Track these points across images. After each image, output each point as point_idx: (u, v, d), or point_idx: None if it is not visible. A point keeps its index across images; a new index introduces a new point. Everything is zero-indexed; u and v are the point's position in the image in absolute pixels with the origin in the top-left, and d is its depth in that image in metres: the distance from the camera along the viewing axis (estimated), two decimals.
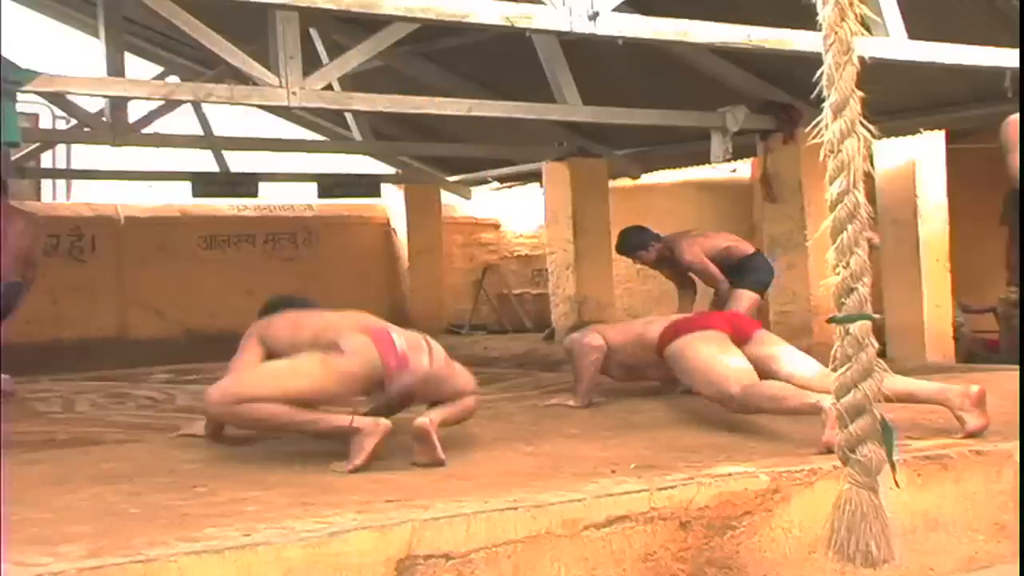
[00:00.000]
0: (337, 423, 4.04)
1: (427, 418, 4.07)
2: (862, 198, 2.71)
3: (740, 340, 5.01)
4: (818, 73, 2.74)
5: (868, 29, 2.78)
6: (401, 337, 4.17)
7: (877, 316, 2.78)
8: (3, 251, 7.38)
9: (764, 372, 4.81)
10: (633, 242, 7.89)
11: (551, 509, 3.32)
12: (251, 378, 4.24)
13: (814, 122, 2.76)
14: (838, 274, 2.73)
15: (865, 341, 2.72)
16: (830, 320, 2.79)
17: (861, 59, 2.75)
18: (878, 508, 2.77)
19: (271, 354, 4.39)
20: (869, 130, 2.72)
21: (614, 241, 8.21)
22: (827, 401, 3.77)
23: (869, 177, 2.73)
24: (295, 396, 4.07)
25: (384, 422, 4.00)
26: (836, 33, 2.71)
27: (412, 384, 4.14)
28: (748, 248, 7.85)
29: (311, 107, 7.78)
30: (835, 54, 2.71)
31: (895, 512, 3.83)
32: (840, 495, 2.79)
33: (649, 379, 5.82)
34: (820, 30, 2.75)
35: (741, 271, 7.67)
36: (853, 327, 2.72)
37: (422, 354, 4.19)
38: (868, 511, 2.78)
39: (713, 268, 7.60)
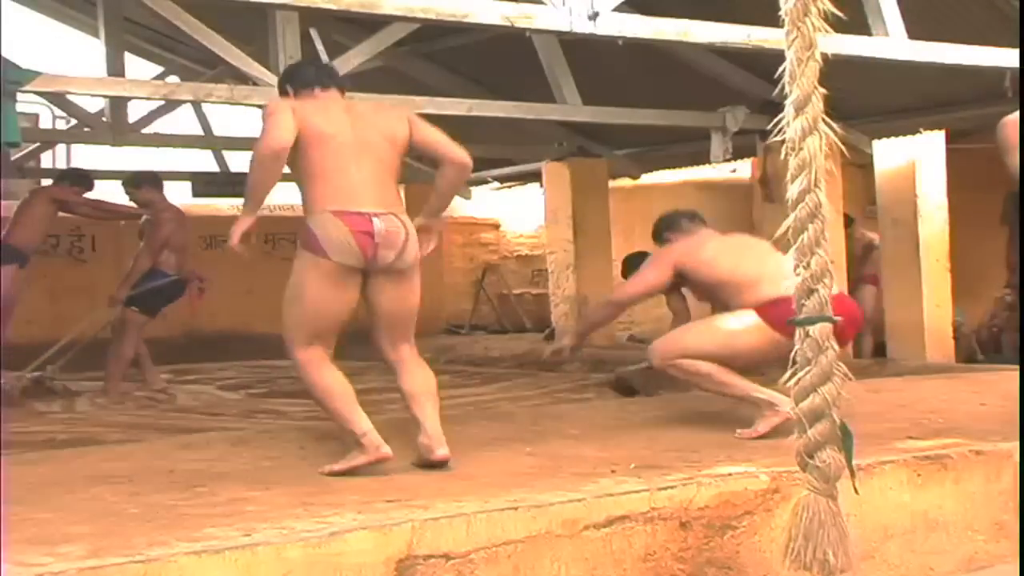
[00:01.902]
0: (351, 425, 4.02)
1: (444, 447, 4.05)
2: (824, 197, 2.65)
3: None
4: (780, 69, 2.69)
5: (833, 26, 2.71)
6: None
7: (838, 319, 2.73)
8: (143, 249, 7.92)
9: None
10: (636, 262, 7.98)
11: (551, 509, 3.32)
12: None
13: (775, 120, 2.71)
14: (799, 275, 2.67)
15: (825, 344, 2.66)
16: (789, 322, 2.74)
17: (824, 55, 2.70)
18: (836, 515, 2.72)
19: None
20: (832, 128, 2.67)
21: (614, 241, 8.21)
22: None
23: (832, 175, 2.69)
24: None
25: (385, 451, 3.97)
26: (799, 28, 2.64)
27: None
28: None
29: None
30: (797, 50, 2.65)
31: (895, 513, 3.85)
32: (798, 502, 2.75)
33: None
34: (782, 26, 2.69)
35: None
36: (813, 329, 2.66)
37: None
38: (826, 518, 2.72)
39: None
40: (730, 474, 3.71)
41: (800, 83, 2.64)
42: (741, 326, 4.69)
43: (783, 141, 2.68)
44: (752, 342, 4.66)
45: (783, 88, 2.68)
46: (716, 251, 5.05)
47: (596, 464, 4.00)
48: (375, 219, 4.03)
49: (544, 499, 3.38)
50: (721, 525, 3.56)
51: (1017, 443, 4.12)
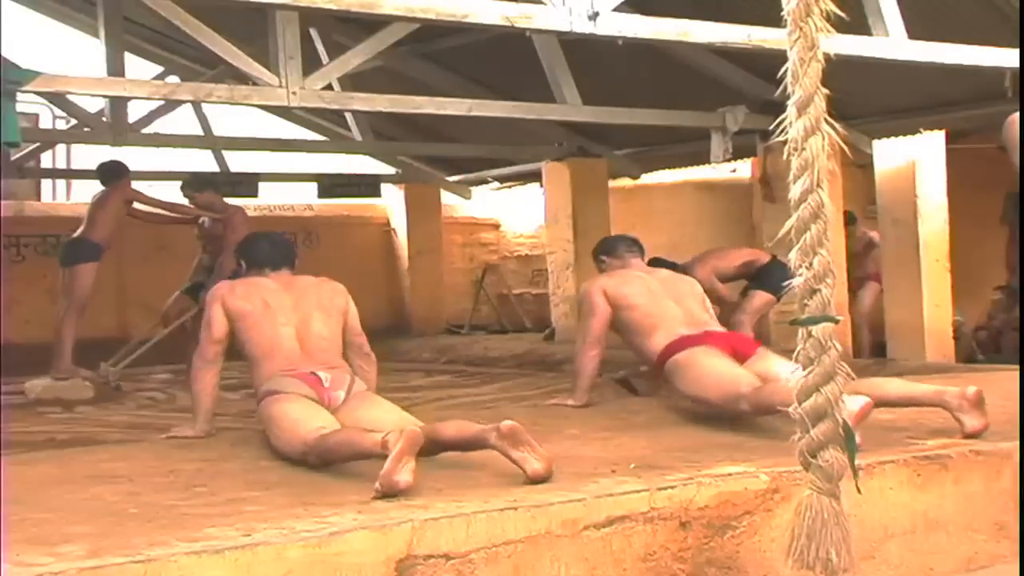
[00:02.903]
0: (366, 445, 3.84)
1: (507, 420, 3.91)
2: (826, 197, 2.65)
3: (741, 359, 5.05)
4: (783, 69, 2.69)
5: (834, 26, 2.71)
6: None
7: (840, 318, 2.74)
8: (226, 248, 8.20)
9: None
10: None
11: (551, 509, 3.32)
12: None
13: (777, 120, 2.71)
14: (801, 275, 2.67)
15: (828, 344, 2.66)
16: (792, 322, 2.74)
17: (827, 55, 2.69)
18: (839, 515, 2.72)
19: None
20: (834, 128, 2.67)
21: None
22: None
23: (835, 175, 2.69)
24: None
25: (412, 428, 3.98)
26: (801, 28, 2.64)
27: None
28: (764, 257, 7.96)
29: (311, 107, 7.78)
30: (800, 50, 2.64)
31: (895, 513, 3.85)
32: (801, 501, 2.74)
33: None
34: (784, 26, 2.69)
35: (759, 277, 7.94)
36: (816, 329, 2.66)
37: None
38: (829, 518, 2.72)
39: (719, 286, 7.84)
40: (730, 474, 3.71)
41: (803, 83, 2.63)
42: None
43: (785, 141, 2.68)
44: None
45: (785, 88, 2.68)
46: (635, 290, 5.50)
47: (596, 464, 4.00)
48: (321, 373, 4.48)
49: (544, 499, 3.38)
50: (721, 525, 3.56)
51: (1017, 443, 4.12)
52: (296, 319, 4.69)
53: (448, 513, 3.21)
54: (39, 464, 4.35)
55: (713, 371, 4.93)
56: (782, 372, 4.87)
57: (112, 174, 8.59)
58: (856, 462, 2.82)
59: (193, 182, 8.68)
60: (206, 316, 4.80)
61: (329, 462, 4.01)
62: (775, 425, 4.69)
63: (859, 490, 2.88)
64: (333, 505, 3.36)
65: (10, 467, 4.11)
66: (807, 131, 2.63)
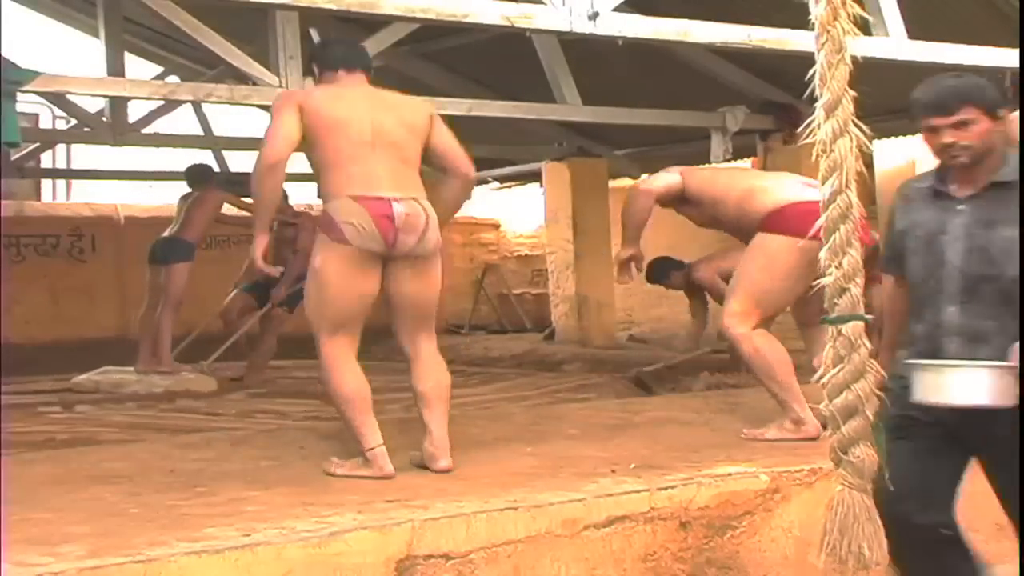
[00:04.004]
0: (361, 437, 3.98)
1: (448, 459, 4.01)
2: (855, 198, 2.70)
3: None
4: (811, 72, 2.73)
5: (862, 28, 2.76)
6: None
7: (870, 317, 2.77)
8: (299, 253, 8.21)
9: None
10: (654, 276, 8.11)
11: (551, 509, 3.32)
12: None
13: (806, 122, 2.75)
14: (830, 274, 2.71)
15: (858, 342, 2.70)
16: (822, 321, 2.78)
17: (854, 58, 2.73)
18: (870, 510, 2.76)
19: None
20: (862, 130, 2.70)
21: (614, 241, 8.23)
22: None
23: (863, 176, 2.72)
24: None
25: (388, 470, 3.91)
26: (828, 32, 2.69)
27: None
28: None
29: None
30: (827, 53, 2.69)
31: None
32: (833, 497, 2.78)
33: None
34: (812, 29, 2.73)
35: None
36: (846, 328, 2.70)
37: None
38: (860, 513, 2.76)
39: (722, 285, 7.80)
40: (730, 474, 3.71)
41: (831, 86, 2.69)
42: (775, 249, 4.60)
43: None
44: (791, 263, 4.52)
45: (813, 91, 2.72)
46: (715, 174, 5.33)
47: (596, 464, 4.00)
48: (395, 203, 3.97)
49: (544, 499, 3.38)
50: (721, 525, 3.56)
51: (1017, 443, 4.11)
52: (373, 132, 4.08)
53: (448, 513, 3.21)
54: (39, 464, 4.36)
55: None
56: None
57: (203, 177, 8.96)
58: (886, 458, 2.85)
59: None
60: (269, 129, 4.11)
61: (328, 392, 4.13)
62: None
63: (891, 486, 2.91)
64: (333, 505, 3.37)
65: (10, 467, 4.11)
66: (835, 133, 2.68)
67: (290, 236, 8.67)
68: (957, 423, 2.96)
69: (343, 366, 4.03)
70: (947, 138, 2.97)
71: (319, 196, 4.19)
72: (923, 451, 3.06)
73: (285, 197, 8.89)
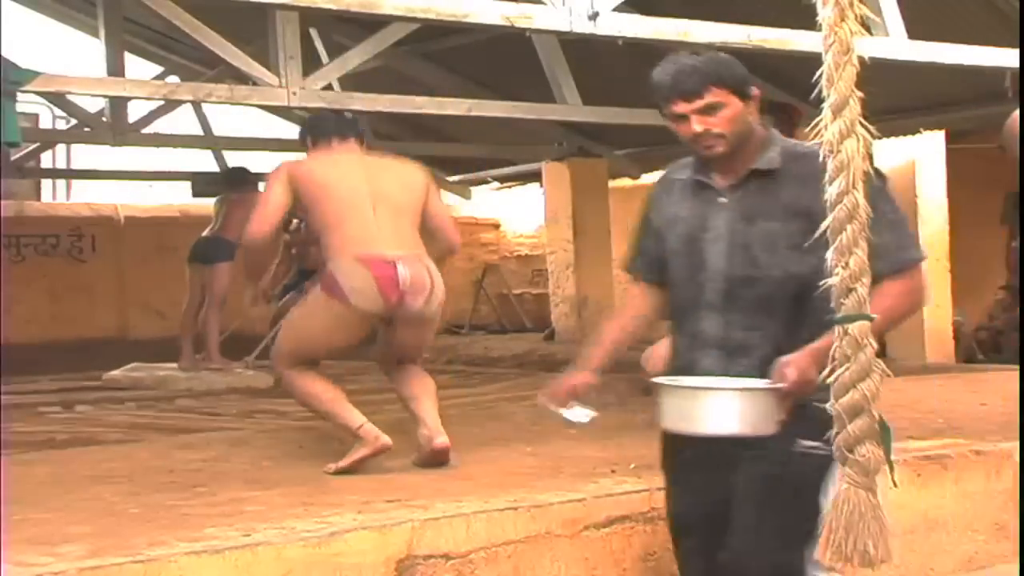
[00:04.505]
0: (346, 421, 4.06)
1: (444, 436, 4.06)
2: (861, 199, 2.71)
3: None
4: (818, 73, 2.74)
5: (868, 29, 2.77)
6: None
7: (876, 316, 2.78)
8: None
9: None
10: None
11: (551, 509, 3.32)
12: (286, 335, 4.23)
13: (813, 122, 2.76)
14: (837, 275, 2.72)
15: (864, 341, 2.71)
16: (828, 320, 2.79)
17: (861, 59, 2.74)
18: (876, 508, 2.77)
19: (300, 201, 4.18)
20: (869, 130, 2.71)
21: (614, 241, 8.23)
22: None
23: (869, 177, 2.73)
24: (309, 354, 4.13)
25: (384, 440, 4.00)
26: (836, 33, 2.71)
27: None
28: None
29: (311, 107, 7.76)
30: (834, 54, 2.71)
31: (895, 512, 3.85)
32: (838, 495, 2.79)
33: None
34: (820, 30, 2.74)
35: None
36: (852, 327, 2.71)
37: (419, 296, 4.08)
38: (866, 511, 2.78)
39: None
40: None
41: (838, 87, 2.69)
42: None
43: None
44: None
45: (820, 91, 2.72)
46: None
47: (596, 464, 4.00)
48: (400, 265, 4.00)
49: (544, 499, 3.38)
50: None
51: (1017, 443, 4.12)
52: (370, 192, 4.13)
53: (448, 513, 3.21)
54: (39, 464, 4.36)
55: None
56: None
57: (243, 179, 9.00)
58: (892, 457, 2.86)
59: None
60: (267, 189, 4.18)
61: (300, 402, 4.18)
62: None
63: (895, 484, 2.92)
64: (333, 505, 3.37)
65: (10, 467, 4.11)
66: (842, 134, 2.68)
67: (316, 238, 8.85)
68: (708, 451, 2.63)
69: (304, 374, 4.10)
70: (696, 126, 2.68)
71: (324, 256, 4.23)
72: (694, 480, 2.74)
73: None
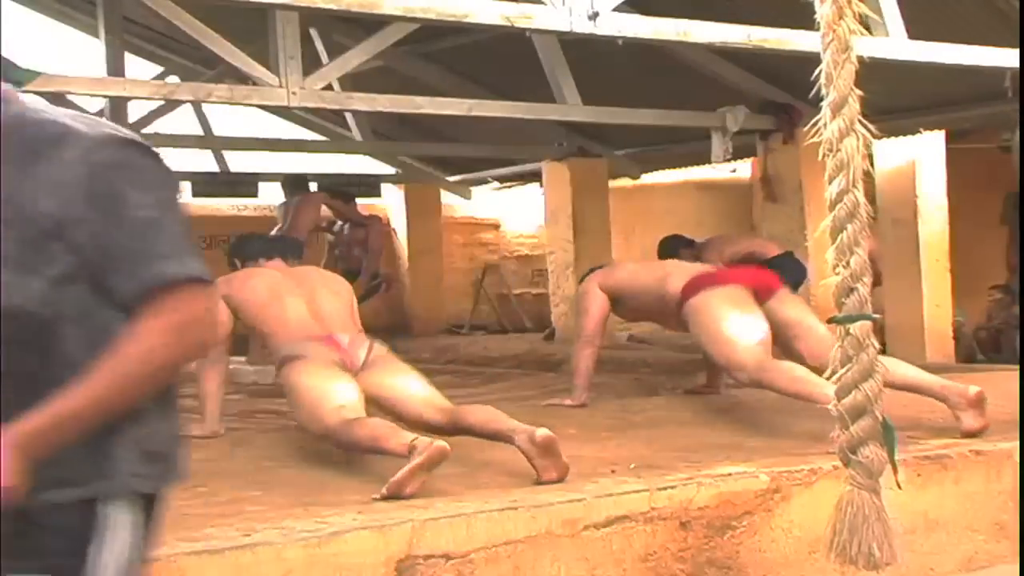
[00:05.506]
0: (404, 439, 3.71)
1: (542, 428, 3.76)
2: (861, 197, 2.70)
3: (763, 297, 5.00)
4: (817, 72, 2.73)
5: (867, 28, 2.76)
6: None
7: (877, 316, 2.77)
8: (370, 252, 9.64)
9: (781, 338, 4.81)
10: (664, 251, 8.10)
11: (551, 509, 3.32)
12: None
13: (812, 121, 2.75)
14: (838, 274, 2.71)
15: (866, 341, 2.71)
16: (830, 320, 2.79)
17: (860, 58, 2.73)
18: (880, 510, 2.76)
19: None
20: (868, 129, 2.71)
21: (614, 241, 8.23)
22: None
23: (869, 176, 2.72)
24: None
25: (440, 444, 3.60)
26: (834, 31, 2.69)
27: None
28: (772, 251, 7.90)
29: (311, 107, 7.78)
30: (833, 53, 2.70)
31: (895, 512, 3.84)
32: (842, 497, 2.78)
33: (659, 324, 6.14)
34: (818, 29, 2.74)
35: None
36: (853, 327, 2.70)
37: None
38: (870, 513, 2.77)
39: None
40: (730, 474, 3.71)
41: (837, 85, 2.69)
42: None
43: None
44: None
45: (818, 90, 2.71)
46: (633, 269, 5.92)
47: (596, 464, 4.00)
48: (337, 335, 4.38)
49: (544, 499, 3.38)
50: (721, 525, 3.56)
51: (1017, 443, 4.12)
52: (303, 293, 4.65)
53: (448, 513, 3.21)
54: None
55: (724, 328, 4.95)
56: (804, 327, 4.89)
57: (302, 184, 9.85)
58: (896, 457, 2.85)
59: (343, 193, 9.87)
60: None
61: (350, 450, 4.06)
62: (775, 424, 4.69)
63: (899, 485, 2.91)
64: (333, 505, 3.36)
65: None
66: (842, 132, 2.68)
67: (360, 237, 9.47)
68: None
69: (349, 423, 3.90)
70: None
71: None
72: None
73: (352, 199, 9.96)
